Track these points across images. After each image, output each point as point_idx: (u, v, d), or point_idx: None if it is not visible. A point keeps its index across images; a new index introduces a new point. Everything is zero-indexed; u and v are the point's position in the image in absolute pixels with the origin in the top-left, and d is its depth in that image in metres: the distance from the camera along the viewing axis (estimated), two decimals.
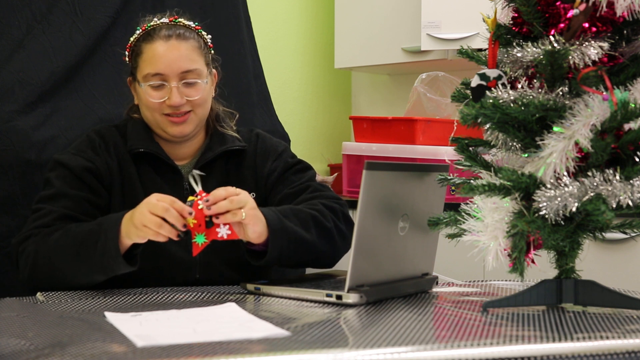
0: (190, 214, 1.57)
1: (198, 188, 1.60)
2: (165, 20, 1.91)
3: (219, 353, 1.05)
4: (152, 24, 1.90)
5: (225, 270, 1.85)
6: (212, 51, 1.97)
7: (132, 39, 1.92)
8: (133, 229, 1.59)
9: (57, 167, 1.86)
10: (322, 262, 1.89)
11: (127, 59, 1.95)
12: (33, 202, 1.85)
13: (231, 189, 1.62)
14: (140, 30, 1.91)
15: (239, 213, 1.60)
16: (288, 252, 1.72)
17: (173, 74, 1.83)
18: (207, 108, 1.91)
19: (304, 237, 1.75)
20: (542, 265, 1.39)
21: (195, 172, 1.64)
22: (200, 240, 1.58)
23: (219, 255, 1.84)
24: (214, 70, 1.96)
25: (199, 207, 1.57)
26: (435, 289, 1.66)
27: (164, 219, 1.56)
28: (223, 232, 1.59)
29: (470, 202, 1.40)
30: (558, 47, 1.31)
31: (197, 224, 1.57)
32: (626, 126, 1.31)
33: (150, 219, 1.56)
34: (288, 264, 1.82)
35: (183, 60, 1.84)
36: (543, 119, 1.35)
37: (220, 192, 1.60)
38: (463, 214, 1.39)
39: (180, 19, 1.92)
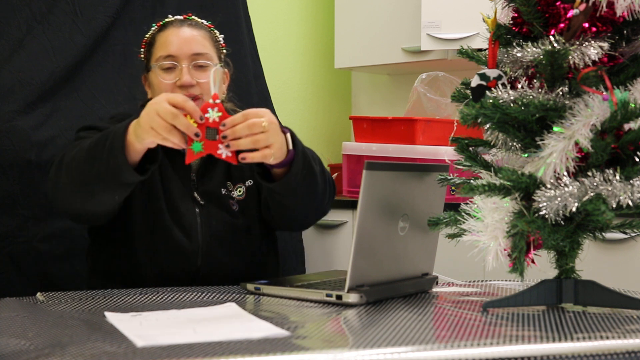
0: (201, 119, 1.51)
1: (214, 89, 1.55)
2: (179, 17, 1.97)
3: (219, 353, 1.05)
4: (166, 20, 1.96)
5: (227, 259, 1.87)
6: (225, 51, 2.00)
7: (147, 35, 1.97)
8: (139, 129, 1.58)
9: (86, 129, 1.88)
10: (312, 205, 1.88)
11: (142, 56, 1.99)
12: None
13: (251, 112, 1.60)
14: (156, 26, 1.97)
15: (261, 139, 1.58)
16: (301, 178, 1.73)
17: (184, 56, 1.87)
18: None
19: (313, 168, 1.77)
20: (542, 265, 1.39)
21: (218, 68, 1.62)
22: (196, 148, 1.51)
23: (221, 244, 1.86)
24: (225, 70, 1.99)
25: (206, 114, 1.51)
26: (435, 289, 1.66)
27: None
28: (223, 151, 1.53)
29: (470, 202, 1.40)
30: (558, 47, 1.31)
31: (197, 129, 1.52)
32: (626, 126, 1.31)
33: (159, 123, 1.55)
34: (294, 190, 1.79)
35: (194, 43, 1.89)
36: (543, 119, 1.35)
37: (237, 116, 1.58)
38: (463, 214, 1.39)
39: (193, 17, 1.98)
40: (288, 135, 1.70)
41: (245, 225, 1.90)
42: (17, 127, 2.31)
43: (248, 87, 2.77)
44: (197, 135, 1.52)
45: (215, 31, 1.99)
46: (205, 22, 1.99)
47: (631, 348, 1.13)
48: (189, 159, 1.53)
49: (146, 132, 1.56)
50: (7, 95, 2.32)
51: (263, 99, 2.88)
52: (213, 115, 1.51)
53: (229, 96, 2.04)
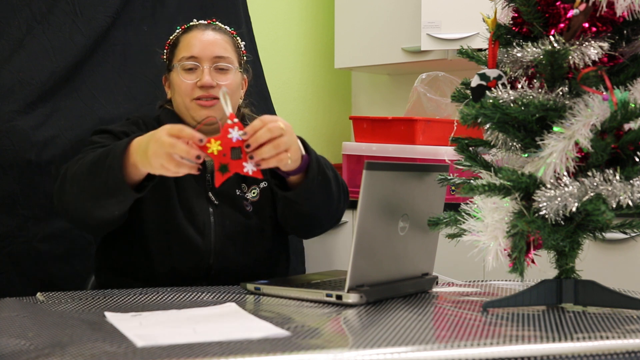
0: (201, 141, 1.49)
1: (228, 110, 1.52)
2: (203, 22, 2.02)
3: (219, 353, 1.05)
4: (191, 23, 2.01)
5: (240, 258, 1.88)
6: (245, 57, 2.04)
7: (171, 37, 2.01)
8: (147, 164, 1.57)
9: (99, 132, 1.90)
10: (327, 213, 1.89)
11: (164, 57, 2.02)
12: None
13: (267, 117, 1.59)
14: (180, 28, 2.01)
15: (281, 143, 1.57)
16: (317, 183, 1.74)
17: (206, 58, 1.92)
18: (235, 99, 1.97)
19: (327, 173, 1.78)
20: (542, 265, 1.39)
21: (225, 89, 1.61)
22: (223, 170, 1.49)
23: (234, 243, 1.88)
24: (244, 76, 2.03)
25: (228, 135, 1.49)
26: (435, 289, 1.66)
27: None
28: (249, 168, 1.51)
29: (470, 202, 1.40)
30: (558, 47, 1.31)
31: (222, 152, 1.48)
32: (626, 126, 1.31)
33: (168, 160, 1.53)
34: (310, 197, 1.79)
35: (217, 46, 1.94)
36: (543, 119, 1.35)
37: (256, 123, 1.56)
38: (463, 214, 1.39)
39: (217, 22, 2.03)
40: (299, 141, 1.70)
41: (258, 225, 1.92)
42: (17, 127, 2.30)
43: (248, 87, 2.78)
44: (198, 157, 1.51)
45: (238, 38, 2.02)
46: (228, 28, 2.02)
47: (631, 348, 1.13)
48: (217, 181, 1.51)
49: (157, 170, 1.56)
50: (7, 95, 2.32)
51: (263, 99, 2.88)
52: (235, 134, 1.50)
53: (246, 102, 2.06)
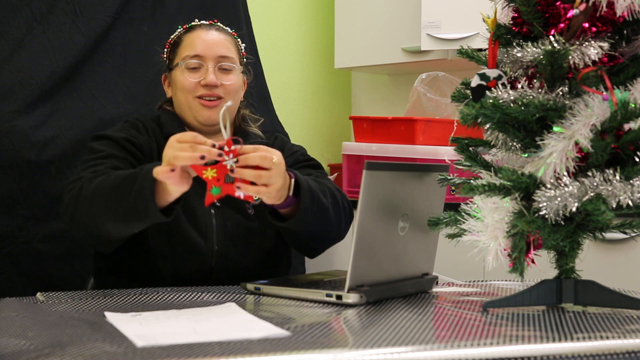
0: (214, 146, 1.52)
1: (226, 135, 1.53)
2: (205, 22, 2.03)
3: (219, 353, 1.05)
4: (193, 23, 2.02)
5: (241, 260, 1.88)
6: (245, 59, 2.05)
7: (172, 36, 2.01)
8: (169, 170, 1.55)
9: (99, 139, 1.89)
10: (327, 237, 1.90)
11: (164, 55, 2.03)
12: (80, 164, 1.84)
13: (265, 148, 1.58)
14: (182, 28, 2.01)
15: (263, 175, 1.56)
16: (311, 214, 1.73)
17: (210, 57, 1.93)
18: (237, 100, 1.98)
19: (323, 203, 1.78)
20: (542, 265, 1.39)
21: (229, 104, 1.59)
22: (215, 192, 1.53)
23: (235, 244, 1.88)
24: (244, 78, 2.04)
25: (223, 162, 1.52)
26: (435, 289, 1.66)
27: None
28: (241, 192, 1.55)
29: (470, 202, 1.40)
30: (558, 47, 1.31)
31: (216, 177, 1.53)
32: (626, 126, 1.31)
33: (184, 156, 1.51)
34: (305, 228, 1.80)
35: (221, 46, 1.96)
36: (543, 119, 1.35)
37: (249, 147, 1.56)
38: (463, 214, 1.39)
39: (219, 23, 2.04)
40: (293, 180, 1.69)
41: (259, 227, 1.92)
42: (17, 127, 2.31)
43: (248, 87, 2.78)
44: (220, 155, 1.53)
45: (239, 39, 2.04)
46: (229, 29, 2.03)
47: (631, 348, 1.13)
48: (207, 201, 1.54)
49: (170, 161, 1.53)
50: (7, 95, 2.32)
51: (263, 99, 2.88)
52: (230, 162, 1.54)
53: (244, 104, 2.06)
